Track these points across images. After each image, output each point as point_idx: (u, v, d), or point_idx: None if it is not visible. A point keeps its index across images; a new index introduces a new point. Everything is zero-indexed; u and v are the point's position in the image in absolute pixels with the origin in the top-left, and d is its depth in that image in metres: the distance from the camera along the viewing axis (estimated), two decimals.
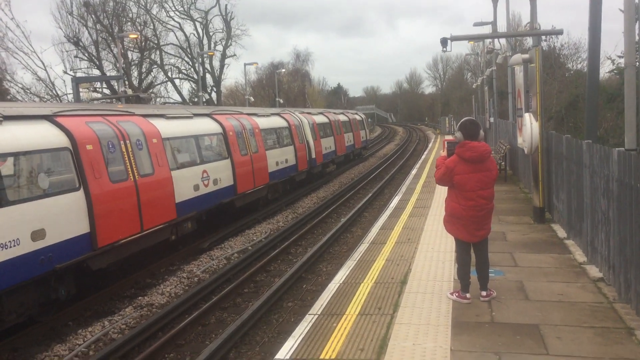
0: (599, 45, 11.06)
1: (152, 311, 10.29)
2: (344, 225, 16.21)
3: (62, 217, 9.44)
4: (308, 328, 6.01)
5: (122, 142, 11.44)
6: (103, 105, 16.49)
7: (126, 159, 11.40)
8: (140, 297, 10.96)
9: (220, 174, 15.51)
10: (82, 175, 10.04)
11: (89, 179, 10.14)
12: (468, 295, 6.59)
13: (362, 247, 9.73)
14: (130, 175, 11.44)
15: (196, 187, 14.05)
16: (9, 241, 8.29)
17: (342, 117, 33.36)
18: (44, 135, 9.59)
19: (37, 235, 8.84)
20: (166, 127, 13.51)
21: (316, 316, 6.39)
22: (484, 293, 6.63)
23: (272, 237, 15.12)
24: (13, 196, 8.60)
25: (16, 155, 8.87)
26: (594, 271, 7.53)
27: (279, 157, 20.75)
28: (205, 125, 15.85)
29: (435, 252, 9.03)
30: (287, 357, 5.32)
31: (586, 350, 5.14)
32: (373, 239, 10.35)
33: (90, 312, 10.63)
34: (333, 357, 5.25)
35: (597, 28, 10.96)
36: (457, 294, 6.67)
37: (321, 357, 5.27)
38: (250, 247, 14.51)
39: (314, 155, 25.15)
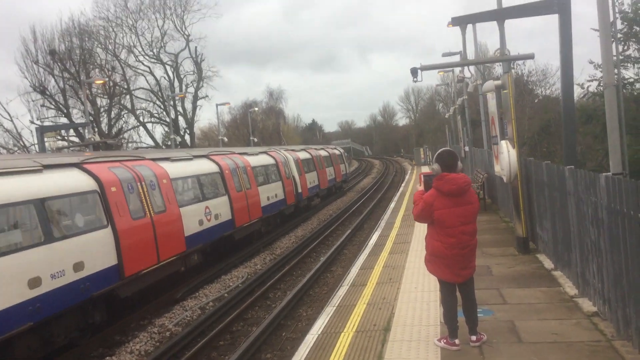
0: (571, 68, 10.86)
1: None
2: (324, 264, 15.64)
3: (96, 251, 10.97)
4: None
5: (138, 183, 13.06)
6: (120, 152, 17.98)
7: (143, 198, 13.01)
8: (107, 358, 10.21)
9: (220, 209, 17.10)
10: (109, 214, 11.63)
11: (115, 217, 11.71)
12: (457, 341, 6.05)
13: (342, 291, 9.17)
14: (148, 212, 13.02)
15: (201, 222, 15.67)
16: (57, 272, 9.80)
17: (323, 152, 34.74)
18: (77, 180, 11.28)
19: (78, 267, 10.37)
20: (172, 169, 15.22)
21: None
22: (473, 338, 6.10)
23: (249, 282, 14.47)
24: (58, 233, 10.11)
25: (57, 198, 10.42)
26: (587, 305, 7.07)
27: (270, 192, 22.19)
28: (204, 166, 17.48)
29: (419, 292, 8.51)
30: None
31: None
32: (353, 280, 9.80)
33: None
34: None
35: (569, 50, 10.78)
36: (444, 341, 6.13)
37: None
38: (226, 295, 13.83)
39: (300, 190, 26.53)
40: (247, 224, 19.00)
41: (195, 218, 15.19)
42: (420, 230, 14.12)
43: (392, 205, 21.69)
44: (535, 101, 39.66)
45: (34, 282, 9.14)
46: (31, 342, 9.46)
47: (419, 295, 8.33)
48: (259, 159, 22.76)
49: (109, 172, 12.25)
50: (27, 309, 8.97)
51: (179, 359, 9.82)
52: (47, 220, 9.83)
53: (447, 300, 6.08)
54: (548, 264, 9.40)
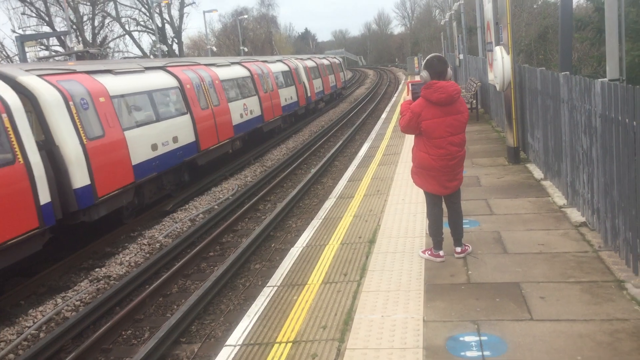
0: None
1: (110, 284, 9.61)
2: (314, 176, 15.54)
3: (183, 131, 14.74)
4: (265, 304, 5.36)
5: (202, 83, 16.95)
6: (181, 59, 19.74)
7: (205, 94, 16.96)
8: (97, 269, 10.24)
9: (254, 107, 20.93)
10: (187, 105, 15.18)
11: (192, 107, 15.44)
12: (441, 252, 5.98)
13: (329, 203, 9.06)
14: (209, 105, 16.83)
15: (241, 115, 19.48)
16: (164, 142, 13.65)
17: (325, 61, 38.65)
18: (165, 78, 15.21)
19: (175, 139, 14.07)
20: (221, 72, 18.49)
21: (275, 288, 5.74)
22: (458, 249, 6.02)
23: (239, 194, 14.40)
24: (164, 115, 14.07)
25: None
26: (575, 215, 6.98)
27: (287, 95, 26.25)
28: (239, 71, 20.94)
29: (406, 204, 8.40)
30: (240, 342, 4.68)
31: (574, 312, 4.58)
32: (341, 192, 9.69)
33: (44, 288, 9.91)
34: (291, 338, 4.61)
35: None
36: (429, 252, 6.05)
37: (277, 339, 4.63)
38: (216, 207, 13.80)
39: (309, 94, 30.51)
40: (272, 119, 23.20)
41: (238, 112, 19.03)
42: (411, 141, 13.90)
43: (384, 115, 21.37)
44: (534, 6, 38.28)
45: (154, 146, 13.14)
46: (152, 187, 13.32)
47: (406, 207, 8.23)
48: (277, 66, 26.60)
49: (184, 73, 15.95)
50: (152, 164, 12.84)
51: (169, 269, 9.86)
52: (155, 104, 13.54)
53: (432, 212, 5.95)
54: (538, 173, 9.27)
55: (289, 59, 30.00)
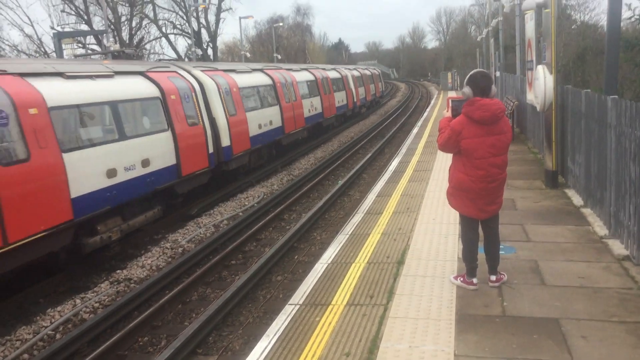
0: None
1: (130, 287, 9.47)
2: (341, 188, 15.28)
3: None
4: (286, 324, 5.10)
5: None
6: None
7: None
8: (118, 271, 10.14)
9: (317, 105, 26.12)
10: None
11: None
12: (475, 280, 5.64)
13: (357, 218, 8.78)
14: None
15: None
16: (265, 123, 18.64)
17: (367, 72, 44.49)
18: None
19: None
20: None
21: (297, 307, 5.47)
22: (493, 277, 5.68)
23: (265, 202, 14.21)
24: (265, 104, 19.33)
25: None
26: (617, 247, 6.58)
27: (339, 98, 31.22)
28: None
29: (437, 223, 8.08)
30: None
31: (619, 356, 4.21)
32: (369, 208, 9.39)
33: (64, 287, 9.84)
34: None
35: None
36: (461, 279, 5.73)
37: None
38: (241, 213, 13.63)
39: (355, 99, 35.82)
40: (330, 116, 28.29)
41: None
42: (443, 158, 13.57)
43: (415, 130, 21.01)
44: (572, 27, 37.59)
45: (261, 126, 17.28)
46: (258, 154, 17.45)
47: (437, 227, 7.91)
48: (331, 73, 31.26)
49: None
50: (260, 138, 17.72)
51: (190, 275, 9.69)
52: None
53: (468, 236, 5.62)
54: (577, 200, 8.86)
55: (340, 68, 35.76)
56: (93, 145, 10.34)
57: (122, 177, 10.86)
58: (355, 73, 38.37)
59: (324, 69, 30.97)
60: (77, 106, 10.27)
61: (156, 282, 9.30)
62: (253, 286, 9.01)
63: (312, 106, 24.89)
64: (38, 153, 8.93)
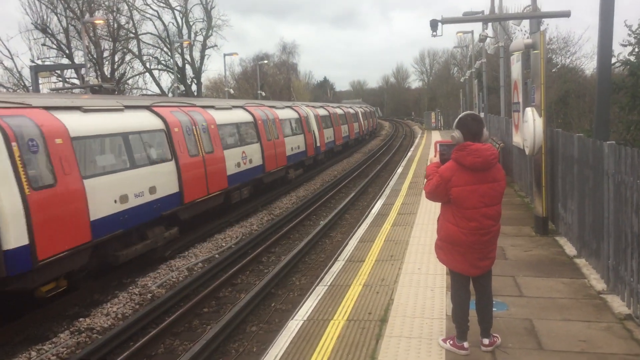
0: (611, 31, 9.63)
1: (92, 337, 8.74)
2: (323, 229, 14.72)
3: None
4: None
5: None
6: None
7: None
8: (81, 319, 9.40)
9: (329, 135, 30.57)
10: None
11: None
12: (465, 344, 5.06)
13: (337, 266, 8.19)
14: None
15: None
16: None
17: (361, 110, 49.15)
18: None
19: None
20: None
21: None
22: (486, 341, 5.11)
23: (243, 243, 13.59)
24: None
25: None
26: (617, 304, 6.08)
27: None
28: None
29: (423, 274, 7.52)
30: None
31: None
32: (350, 254, 8.82)
33: (21, 336, 9.08)
34: None
35: (610, 11, 9.54)
36: (451, 342, 5.15)
37: None
38: (217, 255, 12.98)
39: (348, 133, 39.10)
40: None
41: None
42: (428, 201, 13.11)
43: (399, 170, 20.62)
44: (553, 70, 38.05)
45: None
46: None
47: (423, 278, 7.34)
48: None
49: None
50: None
51: (158, 325, 8.99)
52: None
53: (458, 295, 5.06)
54: (569, 249, 8.39)
55: (338, 106, 40.23)
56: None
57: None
58: (352, 110, 43.02)
59: (322, 107, 33.41)
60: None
61: (120, 332, 8.63)
62: (225, 338, 8.36)
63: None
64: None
